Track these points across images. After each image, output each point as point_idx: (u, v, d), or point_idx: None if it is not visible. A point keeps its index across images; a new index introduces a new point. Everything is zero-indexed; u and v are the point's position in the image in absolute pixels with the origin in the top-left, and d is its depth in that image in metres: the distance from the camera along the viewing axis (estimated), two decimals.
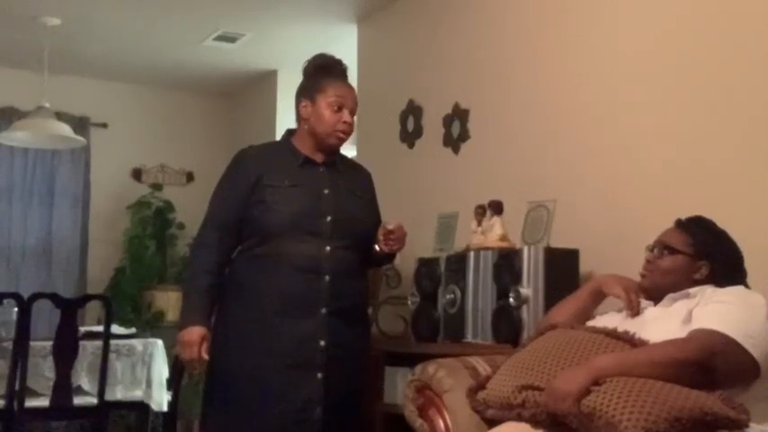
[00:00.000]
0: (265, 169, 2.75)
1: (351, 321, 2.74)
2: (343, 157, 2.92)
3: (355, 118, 2.81)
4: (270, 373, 2.65)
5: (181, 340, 2.68)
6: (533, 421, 2.03)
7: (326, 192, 2.75)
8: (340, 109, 2.75)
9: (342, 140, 2.80)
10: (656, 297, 2.30)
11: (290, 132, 2.90)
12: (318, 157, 2.80)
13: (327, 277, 2.69)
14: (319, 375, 2.66)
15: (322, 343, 2.67)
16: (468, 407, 2.25)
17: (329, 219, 2.71)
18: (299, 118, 2.83)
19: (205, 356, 2.65)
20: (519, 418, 2.07)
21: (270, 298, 2.68)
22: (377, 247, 2.75)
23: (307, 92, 2.80)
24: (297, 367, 2.65)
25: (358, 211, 2.80)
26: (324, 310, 2.68)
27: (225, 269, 2.75)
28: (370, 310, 3.08)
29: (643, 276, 2.34)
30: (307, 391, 2.64)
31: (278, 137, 5.88)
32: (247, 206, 2.72)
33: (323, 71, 2.81)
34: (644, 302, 2.32)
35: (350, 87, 2.82)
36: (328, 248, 2.70)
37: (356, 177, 2.90)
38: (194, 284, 2.72)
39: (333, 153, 2.83)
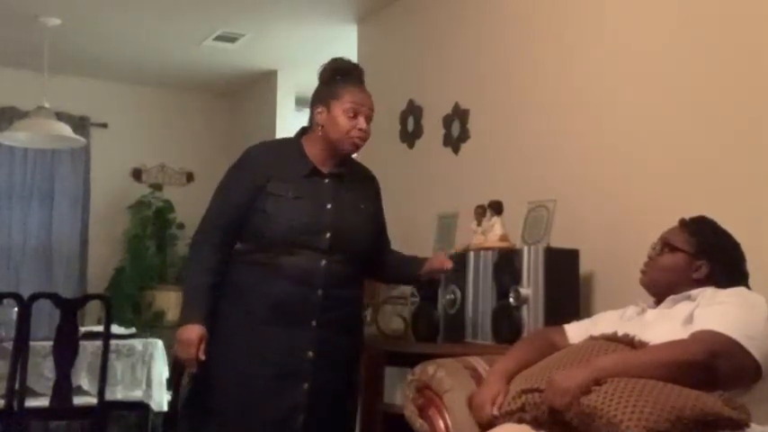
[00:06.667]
0: (271, 175, 2.70)
1: (341, 331, 2.72)
2: (353, 165, 2.86)
3: (371, 123, 2.77)
4: (256, 379, 2.63)
5: (179, 338, 2.65)
6: (535, 423, 2.04)
7: (329, 206, 2.71)
8: (355, 116, 2.69)
9: (357, 147, 2.75)
10: (655, 294, 2.30)
11: (303, 131, 2.83)
12: (327, 167, 2.75)
13: (320, 291, 2.67)
14: (305, 386, 2.64)
15: (310, 354, 2.66)
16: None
17: (328, 235, 2.68)
18: (313, 123, 2.77)
19: (202, 357, 2.63)
20: (520, 422, 2.07)
21: (261, 306, 2.66)
22: (422, 273, 2.83)
23: (322, 98, 2.74)
24: (284, 376, 2.64)
25: (359, 225, 2.77)
26: (314, 323, 2.67)
27: (225, 267, 2.74)
28: (369, 311, 3.08)
29: (643, 273, 2.35)
30: (291, 400, 2.63)
31: (278, 136, 5.90)
32: (249, 209, 2.71)
33: (339, 77, 2.76)
34: (645, 304, 2.32)
35: (366, 94, 2.75)
36: (324, 263, 2.67)
37: (362, 188, 2.85)
38: (195, 282, 2.70)
39: (344, 160, 2.79)
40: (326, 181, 2.75)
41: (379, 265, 2.90)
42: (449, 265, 2.80)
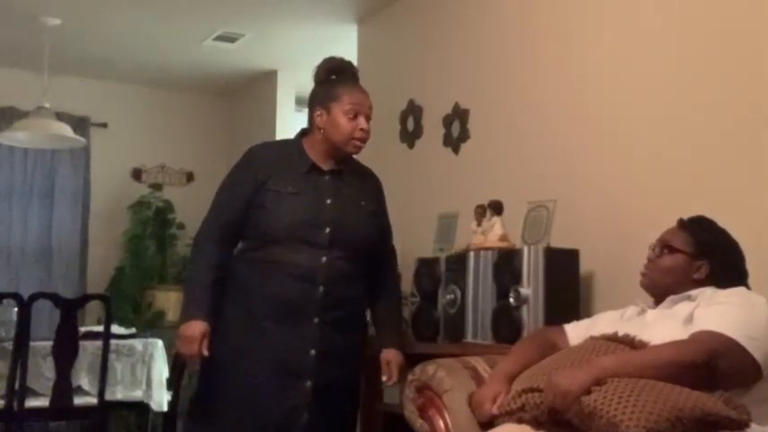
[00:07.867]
0: (272, 172, 2.72)
1: (344, 329, 2.73)
2: (353, 164, 2.87)
3: (371, 123, 2.77)
4: (259, 377, 2.64)
5: (181, 334, 2.66)
6: (535, 423, 2.04)
7: (329, 202, 2.72)
8: (356, 116, 2.71)
9: (359, 148, 2.76)
10: (656, 295, 2.30)
11: (303, 132, 2.85)
12: (327, 165, 2.76)
13: (321, 288, 2.68)
14: (308, 383, 2.65)
15: (312, 352, 2.66)
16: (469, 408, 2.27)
17: (328, 230, 2.69)
18: (312, 125, 2.78)
19: (205, 353, 2.63)
20: (520, 422, 2.07)
21: (263, 303, 2.67)
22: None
23: (320, 100, 2.75)
24: (286, 374, 2.64)
25: (359, 222, 2.78)
26: (316, 320, 2.67)
27: (228, 264, 2.74)
28: (369, 311, 3.08)
29: (643, 275, 2.34)
30: (294, 398, 2.64)
31: (278, 137, 5.90)
32: (250, 207, 2.71)
33: (335, 77, 2.77)
34: (645, 304, 2.32)
35: (364, 93, 2.77)
36: (324, 259, 2.68)
37: (363, 186, 2.86)
38: (197, 278, 2.71)
39: (344, 159, 2.79)
40: (326, 177, 2.76)
41: (375, 294, 2.93)
42: (389, 381, 2.89)
